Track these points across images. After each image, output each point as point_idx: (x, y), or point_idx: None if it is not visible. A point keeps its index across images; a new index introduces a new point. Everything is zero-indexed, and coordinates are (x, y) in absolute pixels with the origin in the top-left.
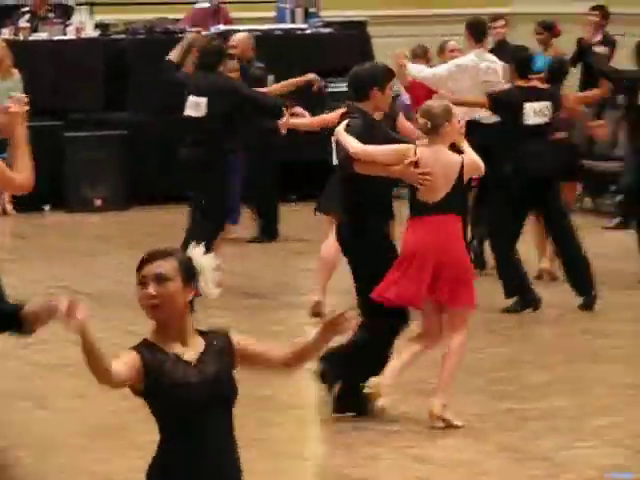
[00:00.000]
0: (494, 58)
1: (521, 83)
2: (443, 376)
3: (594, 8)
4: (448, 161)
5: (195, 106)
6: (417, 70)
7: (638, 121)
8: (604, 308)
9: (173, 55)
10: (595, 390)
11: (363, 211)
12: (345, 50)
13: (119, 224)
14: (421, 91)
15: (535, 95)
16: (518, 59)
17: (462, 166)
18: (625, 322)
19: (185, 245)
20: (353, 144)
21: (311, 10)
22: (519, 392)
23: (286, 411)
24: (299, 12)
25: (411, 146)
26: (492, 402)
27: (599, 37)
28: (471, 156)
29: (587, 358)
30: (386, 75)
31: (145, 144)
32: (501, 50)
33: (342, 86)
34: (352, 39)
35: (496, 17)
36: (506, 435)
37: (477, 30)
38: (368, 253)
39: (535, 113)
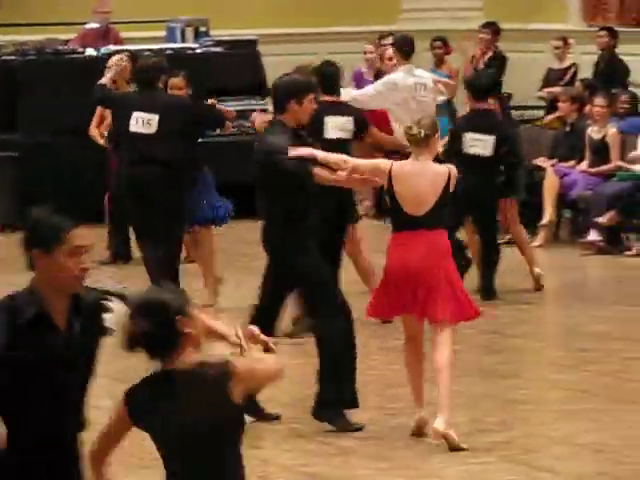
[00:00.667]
0: (424, 73)
1: (326, 98)
2: (442, 393)
3: (485, 25)
4: (436, 173)
5: (144, 123)
6: (345, 93)
7: None
8: (496, 323)
9: (105, 80)
10: (487, 406)
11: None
12: (236, 69)
13: (9, 246)
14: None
15: (337, 110)
16: (324, 74)
17: (449, 177)
18: (516, 338)
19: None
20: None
21: (201, 29)
22: (412, 408)
23: None
24: (189, 31)
25: (388, 162)
26: (385, 418)
27: (490, 54)
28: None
29: (478, 374)
30: (304, 87)
31: (38, 166)
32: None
33: (234, 105)
34: (242, 58)
35: (385, 34)
36: (400, 452)
37: (405, 46)
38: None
39: (333, 128)
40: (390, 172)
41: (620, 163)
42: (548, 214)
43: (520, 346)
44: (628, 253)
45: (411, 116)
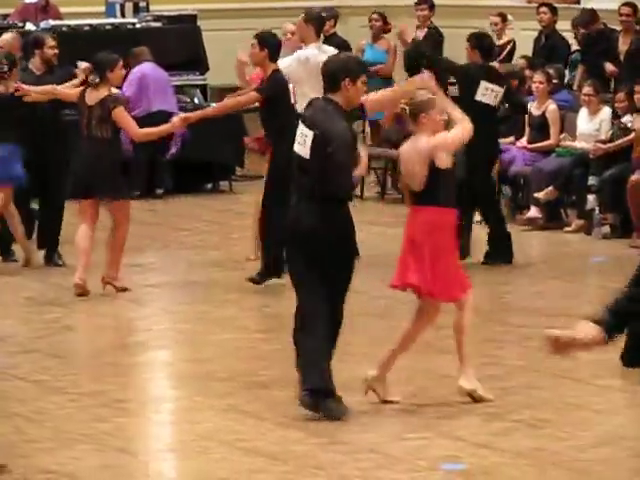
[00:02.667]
0: (334, 50)
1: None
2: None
3: (420, 1)
4: (421, 148)
5: None
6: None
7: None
8: None
9: None
10: (427, 382)
11: None
12: (175, 44)
13: None
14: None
15: None
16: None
17: (432, 149)
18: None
19: None
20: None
21: (141, 4)
22: (348, 384)
23: (118, 405)
24: (129, 6)
25: None
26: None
27: (425, 30)
28: (442, 135)
29: (418, 349)
30: (359, 67)
31: None
32: (330, 42)
33: (173, 80)
34: (182, 33)
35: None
36: (336, 427)
37: (317, 24)
38: None
39: None
40: None
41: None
42: None
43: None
44: (567, 229)
45: (317, 92)
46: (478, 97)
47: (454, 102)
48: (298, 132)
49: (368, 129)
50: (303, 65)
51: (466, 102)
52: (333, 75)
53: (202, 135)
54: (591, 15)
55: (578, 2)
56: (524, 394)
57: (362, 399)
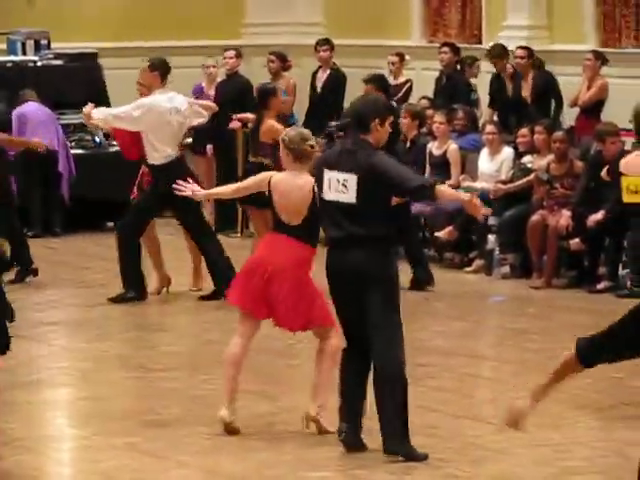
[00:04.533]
0: (178, 96)
1: None
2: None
3: (321, 42)
4: (302, 184)
5: None
6: (104, 116)
7: None
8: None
9: None
10: (327, 418)
11: None
12: (76, 81)
13: None
14: (124, 132)
15: None
16: None
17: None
18: None
19: None
20: None
21: (42, 42)
22: (245, 422)
23: (19, 444)
24: (30, 44)
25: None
26: (221, 433)
27: (327, 71)
28: None
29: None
30: (387, 109)
31: None
32: (232, 81)
33: (74, 118)
34: (83, 71)
35: (227, 48)
36: (231, 465)
37: (162, 69)
38: None
39: None
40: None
41: (461, 178)
42: None
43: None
44: (468, 269)
45: (164, 138)
46: None
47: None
48: (327, 179)
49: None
50: (148, 113)
51: None
52: (364, 116)
53: (95, 173)
54: (501, 51)
55: (480, 42)
56: (423, 434)
57: (259, 436)
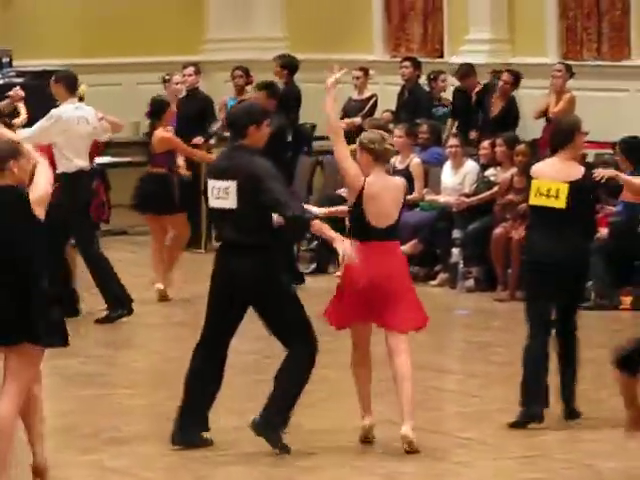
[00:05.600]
0: (86, 107)
1: None
2: (406, 401)
3: (279, 57)
4: (395, 185)
5: None
6: (24, 135)
7: None
8: None
9: None
10: (292, 436)
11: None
12: (39, 100)
13: None
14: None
15: None
16: None
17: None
18: (321, 368)
19: None
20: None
21: (4, 60)
22: (214, 437)
23: None
24: None
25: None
26: (186, 450)
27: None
28: None
29: None
30: (262, 112)
31: None
32: (192, 97)
33: None
34: (46, 89)
35: (187, 65)
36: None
37: (69, 82)
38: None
39: None
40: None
41: (424, 192)
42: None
43: (324, 376)
44: (432, 282)
45: (73, 147)
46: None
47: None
48: (211, 187)
49: None
50: (58, 125)
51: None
52: (239, 123)
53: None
54: (467, 70)
55: (442, 56)
56: (387, 447)
57: (227, 451)
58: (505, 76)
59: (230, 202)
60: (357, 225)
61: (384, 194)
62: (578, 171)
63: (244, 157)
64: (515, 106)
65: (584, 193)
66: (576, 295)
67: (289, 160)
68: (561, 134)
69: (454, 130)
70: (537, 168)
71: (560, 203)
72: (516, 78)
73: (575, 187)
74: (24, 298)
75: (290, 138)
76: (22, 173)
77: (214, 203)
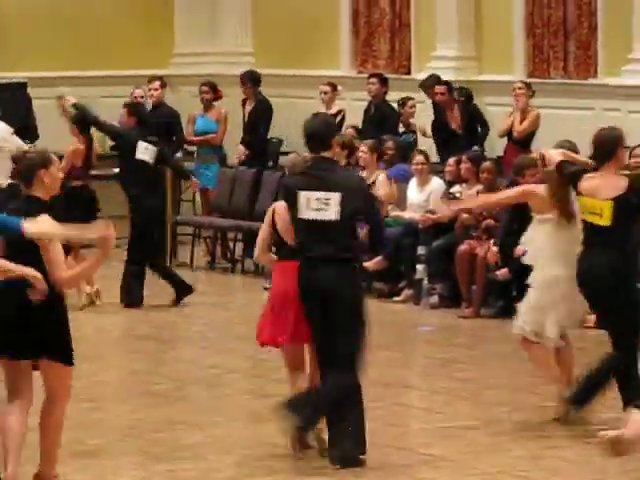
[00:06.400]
0: (4, 125)
1: None
2: None
3: (245, 74)
4: None
5: None
6: None
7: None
8: (264, 369)
9: None
10: (256, 450)
11: None
12: (5, 111)
13: None
14: None
15: None
16: None
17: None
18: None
19: None
20: None
21: None
22: (175, 453)
23: None
24: None
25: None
26: (150, 464)
27: (253, 103)
28: None
29: (248, 418)
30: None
31: None
32: (158, 111)
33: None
34: (12, 100)
35: (152, 78)
36: None
37: None
38: None
39: None
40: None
41: (389, 209)
42: None
43: (286, 392)
44: (396, 298)
45: None
46: (138, 156)
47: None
48: (305, 199)
49: (198, 197)
50: None
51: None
52: (323, 134)
53: None
54: (434, 81)
55: (409, 73)
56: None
57: (190, 466)
58: (438, 88)
59: (330, 214)
60: (277, 243)
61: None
62: (622, 186)
63: (337, 169)
64: (476, 118)
65: (629, 208)
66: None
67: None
68: (603, 149)
69: (420, 147)
70: (583, 185)
71: (605, 221)
72: (451, 90)
73: (619, 203)
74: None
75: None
76: (53, 182)
77: (311, 215)
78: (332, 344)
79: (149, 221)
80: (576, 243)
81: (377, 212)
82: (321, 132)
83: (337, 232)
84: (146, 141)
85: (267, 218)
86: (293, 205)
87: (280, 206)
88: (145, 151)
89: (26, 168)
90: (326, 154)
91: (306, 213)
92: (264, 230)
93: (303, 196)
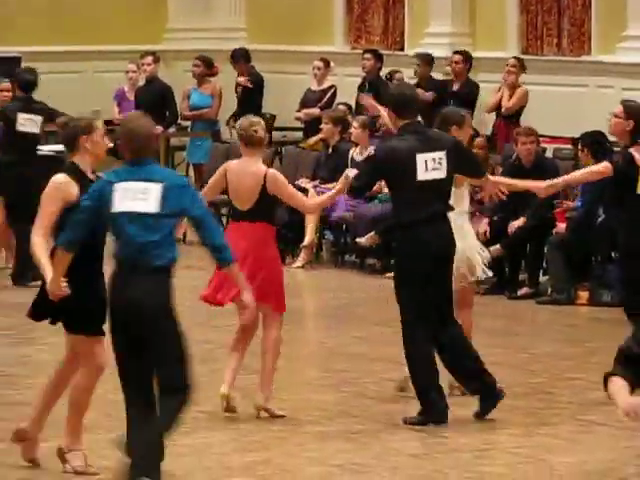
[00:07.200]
0: None
1: None
2: (266, 371)
3: (235, 52)
4: (252, 172)
5: None
6: None
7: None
8: (253, 343)
9: None
10: (245, 426)
11: None
12: None
13: None
14: None
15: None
16: None
17: (265, 178)
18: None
19: None
20: None
21: None
22: None
23: None
24: None
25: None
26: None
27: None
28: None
29: (241, 393)
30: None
31: None
32: (151, 86)
33: None
34: (5, 75)
35: (145, 54)
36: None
37: None
38: None
39: None
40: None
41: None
42: (309, 235)
43: (279, 366)
44: (389, 275)
45: None
46: (19, 128)
47: None
48: (422, 160)
49: (192, 172)
50: None
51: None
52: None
53: None
54: (426, 59)
55: (402, 49)
56: (343, 438)
57: (184, 442)
58: (456, 56)
59: (442, 172)
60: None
61: (240, 179)
62: None
63: (429, 130)
64: (474, 94)
65: None
66: None
67: None
68: None
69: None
70: None
71: None
72: (467, 56)
73: None
74: None
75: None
76: (96, 148)
77: (428, 175)
78: None
79: (18, 189)
80: None
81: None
82: (414, 97)
83: (446, 189)
84: (29, 112)
85: (216, 176)
86: (405, 169)
87: (234, 169)
88: (26, 122)
89: (69, 134)
90: (416, 118)
91: (423, 175)
92: (209, 186)
93: (420, 158)
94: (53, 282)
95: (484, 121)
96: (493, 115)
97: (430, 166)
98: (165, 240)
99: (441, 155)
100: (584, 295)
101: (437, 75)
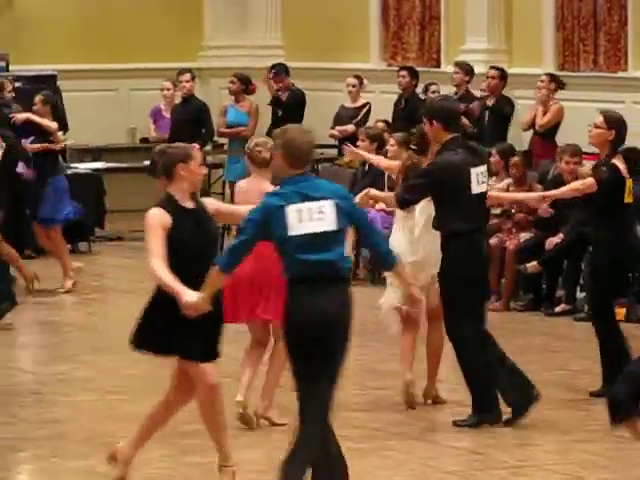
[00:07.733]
0: None
1: None
2: (270, 382)
3: (273, 66)
4: (259, 191)
5: None
6: None
7: None
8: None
9: None
10: (279, 443)
11: None
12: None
13: None
14: None
15: None
16: None
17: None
18: None
19: None
20: None
21: (1, 64)
22: (205, 444)
23: None
24: None
25: None
26: (180, 456)
27: (287, 93)
28: None
29: None
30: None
31: None
32: (188, 104)
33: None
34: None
35: (182, 71)
36: None
37: None
38: None
39: None
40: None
41: None
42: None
43: None
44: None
45: None
46: None
47: None
48: (475, 174)
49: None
50: None
51: None
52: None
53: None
54: (466, 68)
55: (439, 66)
56: (379, 456)
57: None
58: (492, 72)
59: (486, 185)
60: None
61: (248, 198)
62: None
63: (470, 143)
64: (507, 111)
65: None
66: None
67: None
68: None
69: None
70: None
71: None
72: (504, 76)
73: None
74: None
75: None
76: (193, 177)
77: (478, 189)
78: None
79: None
80: None
81: None
82: (460, 111)
83: (485, 202)
84: None
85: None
86: (461, 182)
87: (244, 187)
88: None
89: (166, 162)
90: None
91: (476, 188)
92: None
93: (473, 172)
94: (203, 300)
95: (520, 137)
96: (530, 132)
97: (480, 180)
98: (344, 251)
99: (484, 169)
100: (621, 312)
101: (474, 92)
